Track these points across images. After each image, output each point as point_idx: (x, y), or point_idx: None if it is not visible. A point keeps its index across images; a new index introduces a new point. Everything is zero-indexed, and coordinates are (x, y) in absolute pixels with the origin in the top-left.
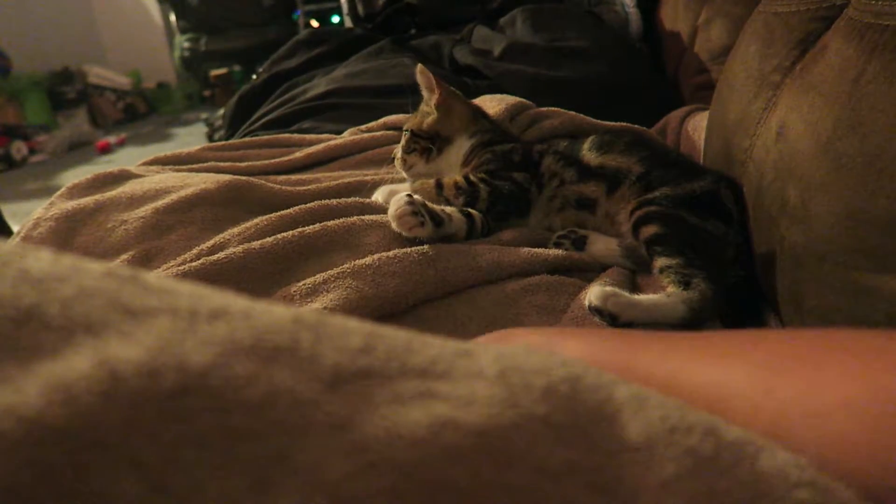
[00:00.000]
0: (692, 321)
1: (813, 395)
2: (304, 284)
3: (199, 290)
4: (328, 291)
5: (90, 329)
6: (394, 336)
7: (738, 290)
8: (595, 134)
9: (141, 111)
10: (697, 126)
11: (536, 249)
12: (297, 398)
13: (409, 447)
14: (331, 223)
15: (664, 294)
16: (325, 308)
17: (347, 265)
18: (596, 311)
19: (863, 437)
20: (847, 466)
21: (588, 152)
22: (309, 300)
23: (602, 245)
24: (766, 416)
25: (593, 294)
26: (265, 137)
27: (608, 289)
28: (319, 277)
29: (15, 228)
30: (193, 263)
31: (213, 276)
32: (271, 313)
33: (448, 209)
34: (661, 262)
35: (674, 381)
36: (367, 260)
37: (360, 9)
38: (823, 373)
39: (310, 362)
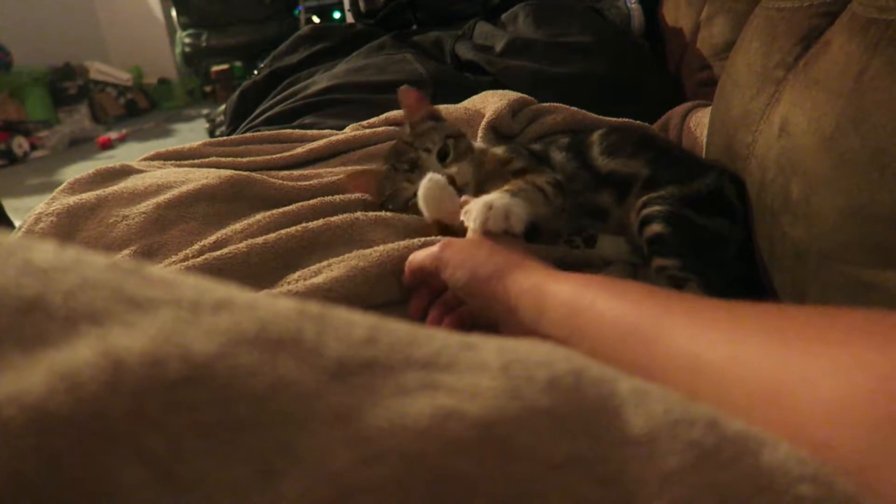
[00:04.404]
0: None
1: (808, 361)
2: (309, 270)
3: (203, 282)
4: (332, 270)
5: (93, 319)
6: (398, 328)
7: (740, 286)
8: (599, 132)
9: (142, 107)
10: (700, 122)
11: (537, 245)
12: (301, 389)
13: (413, 438)
14: (334, 218)
15: None
16: (328, 281)
17: (352, 254)
18: None
19: (850, 399)
20: (836, 434)
21: (599, 157)
22: (313, 276)
23: (611, 243)
24: (767, 391)
25: None
26: (266, 133)
27: None
28: (324, 263)
29: (16, 224)
30: (196, 259)
31: (215, 271)
32: (275, 304)
33: None
34: (657, 262)
35: (682, 358)
36: (372, 248)
37: (361, 5)
38: (818, 349)
39: (314, 353)
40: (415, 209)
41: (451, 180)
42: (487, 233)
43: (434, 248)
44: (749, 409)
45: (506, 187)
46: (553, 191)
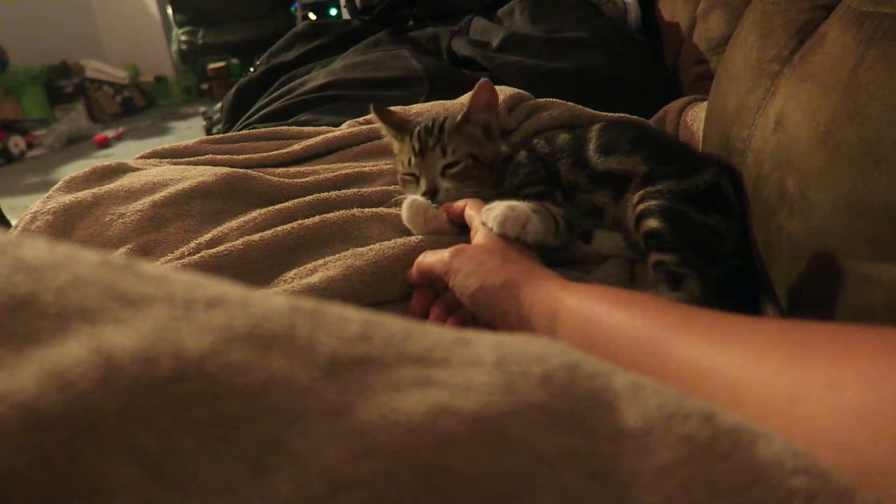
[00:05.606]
0: None
1: (833, 371)
2: (305, 268)
3: (196, 279)
4: (328, 269)
5: (85, 316)
6: (392, 324)
7: (737, 280)
8: (597, 126)
9: (139, 105)
10: (696, 117)
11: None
12: (293, 385)
13: (406, 433)
14: (330, 215)
15: (654, 292)
16: (323, 280)
17: (348, 252)
18: None
19: (879, 407)
20: (860, 438)
21: (594, 154)
22: (309, 275)
23: (607, 238)
24: (784, 395)
25: None
26: (263, 130)
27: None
28: (320, 262)
29: (13, 223)
30: (192, 257)
31: (212, 268)
32: (268, 301)
33: None
34: (654, 256)
35: (696, 366)
36: (368, 246)
37: (357, 1)
38: (845, 359)
39: (307, 350)
40: (404, 177)
41: (435, 191)
42: (502, 235)
43: (445, 254)
44: (762, 412)
45: (528, 203)
46: (564, 226)
